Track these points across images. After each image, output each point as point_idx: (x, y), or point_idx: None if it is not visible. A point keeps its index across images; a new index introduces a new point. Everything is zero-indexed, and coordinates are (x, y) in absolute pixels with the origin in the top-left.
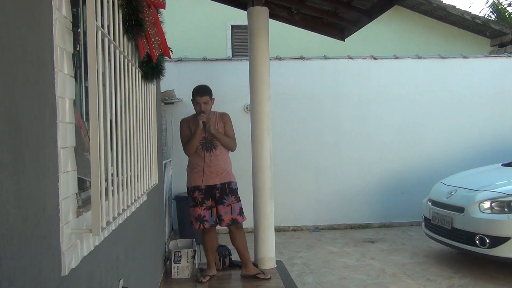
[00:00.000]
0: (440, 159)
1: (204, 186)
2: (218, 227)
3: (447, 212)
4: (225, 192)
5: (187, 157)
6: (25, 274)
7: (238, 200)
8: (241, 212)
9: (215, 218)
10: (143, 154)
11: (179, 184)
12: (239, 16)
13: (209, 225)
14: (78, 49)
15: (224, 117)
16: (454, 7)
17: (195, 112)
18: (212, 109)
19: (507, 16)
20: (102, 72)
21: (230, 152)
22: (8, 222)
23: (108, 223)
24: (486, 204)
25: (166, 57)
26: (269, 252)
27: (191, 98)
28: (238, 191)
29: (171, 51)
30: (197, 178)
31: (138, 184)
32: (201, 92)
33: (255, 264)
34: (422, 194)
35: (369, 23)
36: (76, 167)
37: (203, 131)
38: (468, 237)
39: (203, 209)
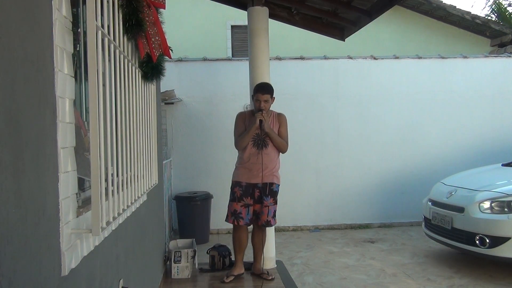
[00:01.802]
0: (440, 159)
1: (245, 183)
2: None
3: (447, 212)
4: (265, 193)
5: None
6: (25, 274)
7: (275, 202)
8: (274, 215)
9: (250, 217)
10: (143, 154)
11: (179, 184)
12: (239, 16)
13: (244, 223)
14: (78, 49)
15: (280, 118)
16: (454, 7)
17: (241, 110)
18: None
19: (507, 15)
20: (102, 72)
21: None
22: (8, 222)
23: (108, 223)
24: (486, 204)
25: (166, 57)
26: (269, 252)
27: (252, 94)
28: (278, 193)
29: (171, 50)
30: (240, 174)
31: (138, 184)
32: (263, 90)
33: None
34: (422, 194)
35: (369, 23)
36: (76, 167)
37: (258, 128)
38: (468, 237)
39: (240, 205)
